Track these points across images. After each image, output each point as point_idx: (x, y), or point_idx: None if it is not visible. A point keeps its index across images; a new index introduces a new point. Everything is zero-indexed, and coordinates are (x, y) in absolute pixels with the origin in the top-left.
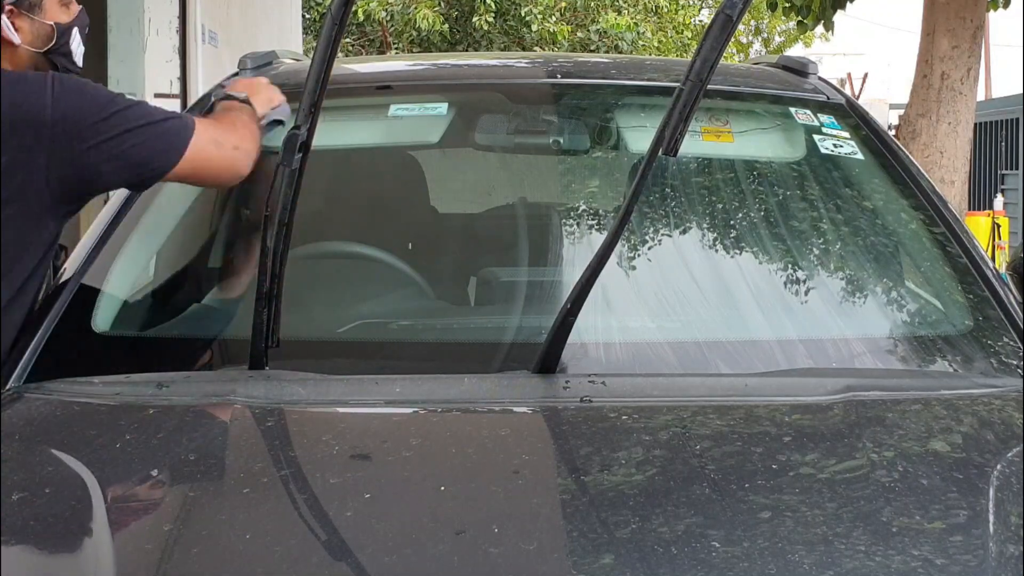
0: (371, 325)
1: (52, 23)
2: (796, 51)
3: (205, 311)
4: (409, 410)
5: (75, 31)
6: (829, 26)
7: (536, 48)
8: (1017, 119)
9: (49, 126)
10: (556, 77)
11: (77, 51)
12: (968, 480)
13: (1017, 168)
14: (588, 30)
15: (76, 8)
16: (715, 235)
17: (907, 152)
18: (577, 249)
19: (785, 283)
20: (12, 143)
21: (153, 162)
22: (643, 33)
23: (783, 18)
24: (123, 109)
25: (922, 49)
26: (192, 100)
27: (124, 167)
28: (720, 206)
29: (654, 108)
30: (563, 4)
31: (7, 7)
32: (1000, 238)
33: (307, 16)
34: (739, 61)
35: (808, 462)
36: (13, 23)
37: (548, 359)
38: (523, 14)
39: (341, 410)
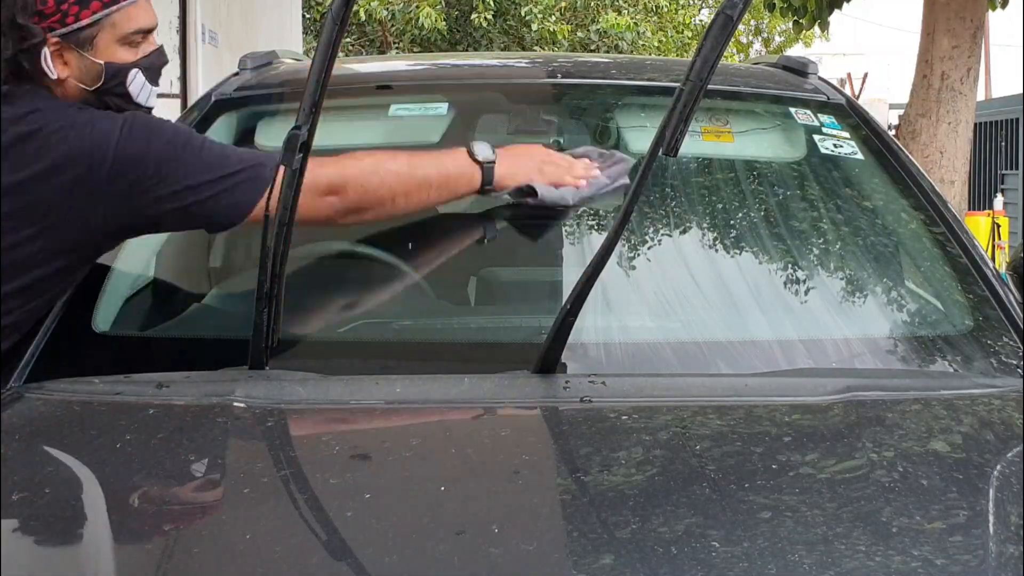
0: (371, 325)
1: (102, 62)
2: (796, 51)
3: (205, 311)
4: (409, 410)
5: (134, 72)
6: (824, 26)
7: (536, 48)
8: (1017, 119)
9: (109, 167)
10: (556, 77)
11: (139, 92)
12: (968, 480)
13: (1017, 168)
14: (588, 30)
15: (148, 48)
16: (715, 235)
17: (907, 152)
18: (577, 249)
19: (785, 283)
20: (68, 174)
21: (216, 218)
22: (643, 33)
23: (781, 18)
24: (191, 159)
25: (922, 49)
26: (192, 100)
27: (184, 222)
28: (720, 206)
29: (654, 108)
30: (563, 4)
31: (51, 40)
32: (1000, 238)
33: (307, 16)
34: (739, 61)
35: (808, 462)
36: (62, 55)
37: (548, 359)
38: (523, 14)
39: (341, 410)
